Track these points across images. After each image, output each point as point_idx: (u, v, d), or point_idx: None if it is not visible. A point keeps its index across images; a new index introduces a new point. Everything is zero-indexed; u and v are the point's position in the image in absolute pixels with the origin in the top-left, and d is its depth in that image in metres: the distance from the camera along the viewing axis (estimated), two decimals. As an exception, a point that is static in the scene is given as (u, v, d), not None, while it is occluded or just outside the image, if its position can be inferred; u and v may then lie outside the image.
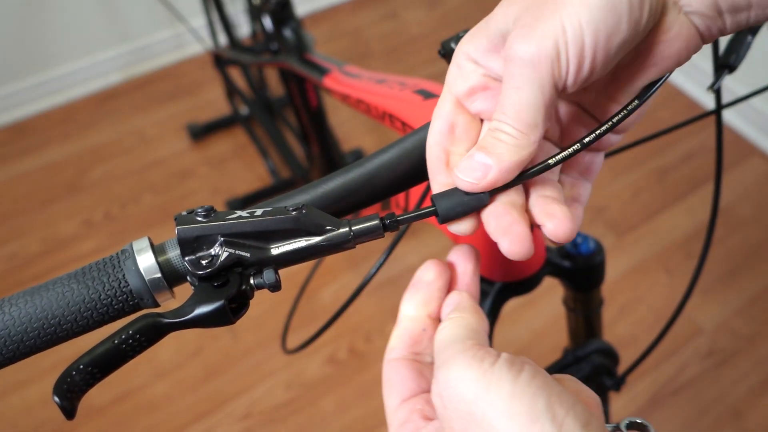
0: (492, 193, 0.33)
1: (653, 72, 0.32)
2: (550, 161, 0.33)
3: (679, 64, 0.32)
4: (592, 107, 0.36)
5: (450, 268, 0.40)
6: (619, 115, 0.33)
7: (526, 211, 0.33)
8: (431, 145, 0.35)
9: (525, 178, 0.33)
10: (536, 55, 0.29)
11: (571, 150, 0.32)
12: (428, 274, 0.39)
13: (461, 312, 0.35)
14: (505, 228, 0.32)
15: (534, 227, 0.33)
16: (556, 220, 0.32)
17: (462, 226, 0.34)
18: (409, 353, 0.37)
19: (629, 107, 0.33)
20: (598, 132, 0.33)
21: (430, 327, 0.38)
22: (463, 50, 0.34)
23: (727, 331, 1.50)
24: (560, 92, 0.31)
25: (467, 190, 0.32)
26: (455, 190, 0.33)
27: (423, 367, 0.37)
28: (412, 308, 0.39)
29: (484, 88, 0.34)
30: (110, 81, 2.22)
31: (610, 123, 0.33)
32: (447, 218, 0.33)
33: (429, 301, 0.39)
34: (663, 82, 0.33)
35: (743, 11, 0.29)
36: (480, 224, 0.34)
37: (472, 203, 0.33)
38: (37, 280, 1.75)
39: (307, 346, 0.65)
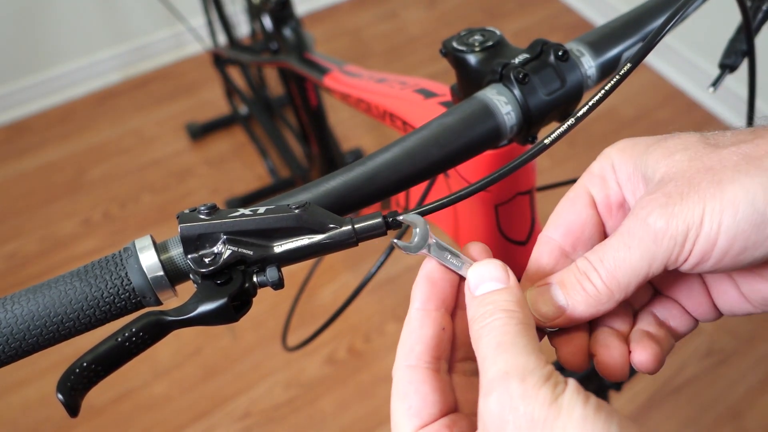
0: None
1: None
2: (545, 141, 0.35)
3: None
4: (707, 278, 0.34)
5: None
6: (599, 96, 0.35)
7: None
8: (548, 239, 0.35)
9: (517, 166, 0.35)
10: (663, 231, 0.28)
11: (566, 125, 0.34)
12: (438, 269, 0.34)
13: (503, 297, 0.30)
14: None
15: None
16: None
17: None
18: (429, 358, 0.32)
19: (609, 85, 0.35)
20: (592, 102, 0.35)
21: (449, 325, 0.33)
22: (611, 159, 0.34)
23: (726, 331, 1.51)
24: (668, 270, 0.30)
25: (537, 323, 0.32)
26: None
27: (444, 378, 0.33)
28: (427, 302, 0.33)
29: (608, 206, 0.34)
30: (109, 80, 2.22)
31: (603, 91, 0.35)
32: None
33: (447, 296, 0.34)
34: None
35: None
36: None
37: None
38: (35, 280, 1.75)
39: (309, 342, 0.65)
